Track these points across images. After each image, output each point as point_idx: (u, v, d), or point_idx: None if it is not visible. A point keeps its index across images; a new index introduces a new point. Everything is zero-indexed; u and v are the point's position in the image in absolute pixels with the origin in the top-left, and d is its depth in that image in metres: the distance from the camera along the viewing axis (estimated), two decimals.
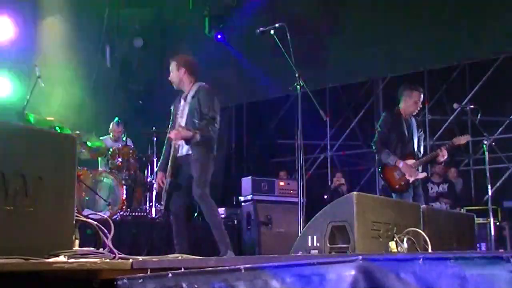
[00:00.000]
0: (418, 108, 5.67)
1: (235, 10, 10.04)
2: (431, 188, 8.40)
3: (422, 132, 5.81)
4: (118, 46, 9.90)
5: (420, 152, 5.67)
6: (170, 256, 2.88)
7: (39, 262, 2.12)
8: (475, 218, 4.67)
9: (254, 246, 6.52)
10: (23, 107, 6.15)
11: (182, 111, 5.04)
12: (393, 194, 5.49)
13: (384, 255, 2.12)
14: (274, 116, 11.42)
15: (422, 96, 5.66)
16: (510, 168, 9.13)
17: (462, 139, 5.67)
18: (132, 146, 7.41)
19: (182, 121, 4.99)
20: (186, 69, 5.08)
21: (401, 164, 5.45)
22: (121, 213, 6.61)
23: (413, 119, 5.72)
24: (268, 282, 1.81)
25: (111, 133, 7.82)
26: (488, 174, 6.12)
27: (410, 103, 5.60)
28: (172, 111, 5.20)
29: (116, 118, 7.82)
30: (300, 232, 3.57)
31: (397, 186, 5.49)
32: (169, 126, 5.17)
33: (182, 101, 5.09)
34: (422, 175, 5.61)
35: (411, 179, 5.48)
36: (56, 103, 8.06)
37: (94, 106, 8.64)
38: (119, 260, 2.42)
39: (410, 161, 5.51)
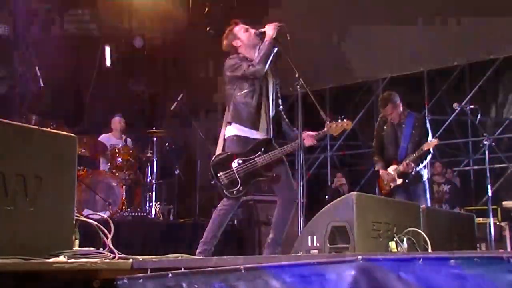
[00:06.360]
0: (389, 113, 5.52)
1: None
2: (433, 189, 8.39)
3: (419, 131, 5.50)
4: (118, 46, 9.86)
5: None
6: (170, 256, 2.87)
7: (39, 262, 2.12)
8: (475, 218, 4.66)
9: (254, 246, 6.52)
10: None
11: (270, 90, 4.32)
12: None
13: (384, 255, 2.12)
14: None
15: (384, 102, 5.52)
16: (510, 168, 9.12)
17: (431, 144, 5.42)
18: (132, 146, 7.39)
19: (271, 103, 4.32)
20: None
21: (381, 171, 5.58)
22: (121, 213, 6.60)
23: (408, 121, 5.52)
24: (268, 282, 1.81)
25: (115, 129, 7.64)
26: (488, 174, 6.12)
27: None
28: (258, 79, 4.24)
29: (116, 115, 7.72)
30: (300, 232, 3.57)
31: (382, 191, 5.61)
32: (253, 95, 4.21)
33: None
34: (398, 181, 5.49)
35: (392, 185, 5.51)
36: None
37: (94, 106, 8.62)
38: (119, 260, 2.42)
39: (392, 167, 5.52)
